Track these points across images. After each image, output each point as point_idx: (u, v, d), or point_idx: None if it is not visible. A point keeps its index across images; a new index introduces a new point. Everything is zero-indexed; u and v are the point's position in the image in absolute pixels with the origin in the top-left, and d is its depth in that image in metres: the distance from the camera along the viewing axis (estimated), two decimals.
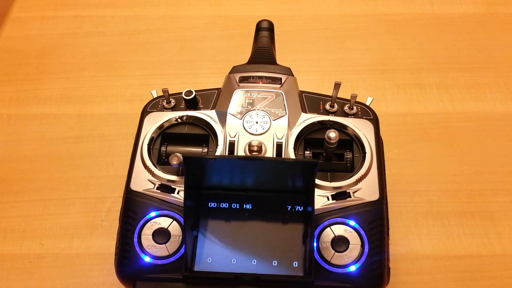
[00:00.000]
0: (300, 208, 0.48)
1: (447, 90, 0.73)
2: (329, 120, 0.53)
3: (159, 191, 0.49)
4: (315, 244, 0.46)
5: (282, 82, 0.55)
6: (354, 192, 0.48)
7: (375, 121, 0.54)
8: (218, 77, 0.59)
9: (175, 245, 0.46)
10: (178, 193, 0.48)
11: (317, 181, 0.48)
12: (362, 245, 0.46)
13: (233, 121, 0.52)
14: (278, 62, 0.59)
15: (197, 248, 0.46)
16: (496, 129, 0.69)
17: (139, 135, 0.53)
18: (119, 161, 0.66)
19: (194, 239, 0.46)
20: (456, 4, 0.83)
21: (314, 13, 0.83)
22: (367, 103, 0.55)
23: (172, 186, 0.49)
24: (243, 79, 0.55)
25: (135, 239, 0.47)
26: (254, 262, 0.46)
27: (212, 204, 0.48)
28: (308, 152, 0.52)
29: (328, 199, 0.48)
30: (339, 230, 0.46)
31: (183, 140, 0.53)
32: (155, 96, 0.56)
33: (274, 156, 0.50)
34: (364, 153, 0.51)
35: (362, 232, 0.46)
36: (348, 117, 0.54)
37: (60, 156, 0.67)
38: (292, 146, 0.51)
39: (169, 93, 0.55)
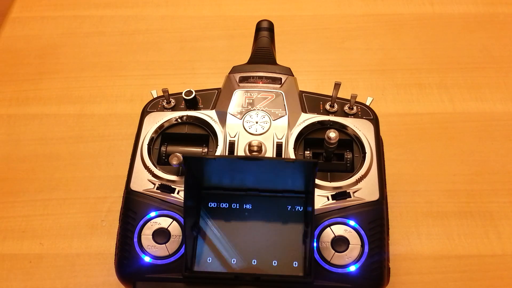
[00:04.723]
0: (300, 208, 0.48)
1: (447, 90, 0.73)
2: (329, 120, 0.53)
3: (159, 191, 0.49)
4: (315, 244, 0.46)
5: (282, 82, 0.55)
6: (354, 192, 0.48)
7: (375, 121, 0.54)
8: (218, 77, 0.59)
9: (175, 245, 0.46)
10: (178, 193, 0.48)
11: (317, 181, 0.48)
12: (362, 245, 0.46)
13: (233, 121, 0.52)
14: (278, 62, 0.59)
15: (197, 248, 0.46)
16: (496, 129, 0.69)
17: (139, 135, 0.53)
18: (119, 161, 0.66)
19: (194, 239, 0.46)
20: (456, 4, 0.83)
21: (314, 13, 0.83)
22: (367, 103, 0.55)
23: (172, 186, 0.49)
24: (243, 79, 0.55)
25: (135, 239, 0.47)
26: (254, 262, 0.46)
27: (212, 204, 0.48)
28: (308, 152, 0.52)
29: (328, 199, 0.48)
30: (339, 230, 0.46)
31: (183, 140, 0.53)
32: (155, 96, 0.56)
33: (274, 156, 0.50)
34: (364, 153, 0.51)
35: (362, 232, 0.46)
36: (348, 117, 0.54)
37: (60, 156, 0.67)
38: (292, 146, 0.51)
39: (169, 93, 0.55)
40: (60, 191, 0.64)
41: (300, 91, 0.56)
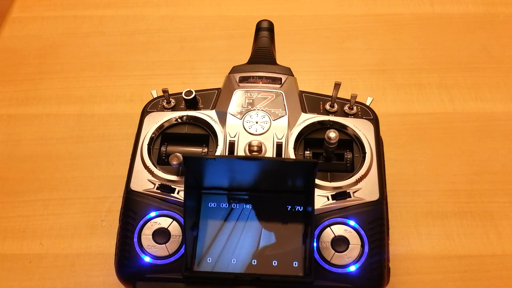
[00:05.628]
0: (300, 208, 0.48)
1: (447, 90, 0.73)
2: (329, 120, 0.53)
3: (159, 191, 0.49)
4: (315, 244, 0.46)
5: (282, 82, 0.55)
6: (354, 192, 0.48)
7: (375, 121, 0.54)
8: (218, 77, 0.59)
9: (175, 245, 0.46)
10: (178, 193, 0.48)
11: (317, 181, 0.48)
12: (362, 245, 0.46)
13: (233, 121, 0.52)
14: (278, 62, 0.59)
15: (197, 248, 0.46)
16: (496, 129, 0.69)
17: (139, 135, 0.53)
18: (119, 161, 0.66)
19: (194, 239, 0.46)
20: (456, 4, 0.83)
21: (314, 13, 0.83)
22: (367, 103, 0.55)
23: (172, 186, 0.49)
24: (243, 79, 0.55)
25: (135, 239, 0.47)
26: (254, 262, 0.46)
27: (212, 204, 0.48)
28: (308, 152, 0.52)
29: (328, 199, 0.48)
30: (339, 230, 0.46)
31: (183, 140, 0.53)
32: (155, 96, 0.56)
33: (274, 156, 0.50)
34: (364, 153, 0.51)
35: (362, 232, 0.46)
36: (348, 117, 0.54)
37: (60, 156, 0.67)
38: (292, 146, 0.51)
39: (169, 93, 0.55)
40: (60, 191, 0.64)
41: (300, 91, 0.56)
